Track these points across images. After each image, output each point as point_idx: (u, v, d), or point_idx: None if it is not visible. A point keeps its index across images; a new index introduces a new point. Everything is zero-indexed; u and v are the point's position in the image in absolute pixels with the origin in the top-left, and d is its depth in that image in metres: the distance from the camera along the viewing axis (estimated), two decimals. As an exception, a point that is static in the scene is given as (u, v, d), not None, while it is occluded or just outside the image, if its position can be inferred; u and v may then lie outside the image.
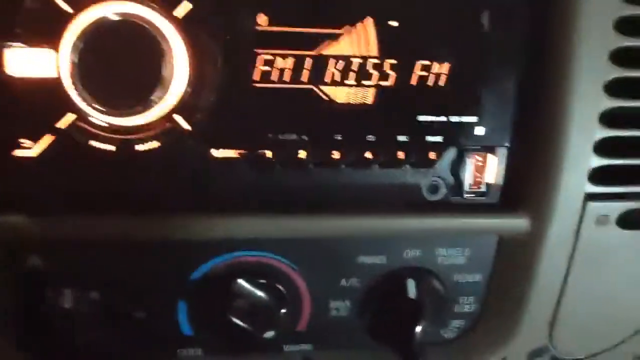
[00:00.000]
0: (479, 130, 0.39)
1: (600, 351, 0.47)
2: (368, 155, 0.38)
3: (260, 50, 0.36)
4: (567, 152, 0.39)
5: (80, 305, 0.38)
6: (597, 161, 0.40)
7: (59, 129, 0.34)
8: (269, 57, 0.36)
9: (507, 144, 0.40)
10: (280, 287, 0.41)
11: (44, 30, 0.32)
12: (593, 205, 0.41)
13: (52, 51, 0.33)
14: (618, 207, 0.41)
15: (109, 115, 0.33)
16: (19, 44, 0.33)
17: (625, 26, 0.38)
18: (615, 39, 0.38)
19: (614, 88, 0.39)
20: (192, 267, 0.40)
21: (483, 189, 0.41)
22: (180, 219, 0.37)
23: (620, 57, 0.38)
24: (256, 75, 0.36)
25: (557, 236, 0.41)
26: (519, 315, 0.43)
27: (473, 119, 0.39)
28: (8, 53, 0.32)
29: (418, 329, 0.40)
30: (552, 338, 0.45)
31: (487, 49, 0.38)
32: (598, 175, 0.40)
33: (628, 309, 0.46)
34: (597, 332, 0.46)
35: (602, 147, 0.40)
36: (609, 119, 0.39)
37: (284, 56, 0.36)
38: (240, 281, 0.40)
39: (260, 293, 0.40)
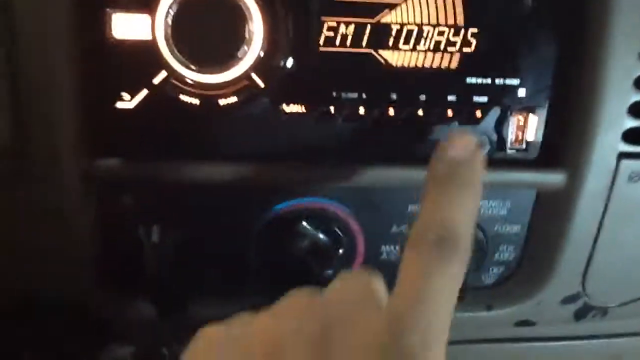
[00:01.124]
0: (521, 92, 0.42)
1: (630, 300, 0.51)
2: (420, 113, 0.42)
3: (325, 18, 0.40)
4: (602, 113, 0.42)
5: (165, 240, 0.44)
6: (631, 122, 0.42)
7: (154, 84, 0.39)
8: (333, 24, 0.40)
9: (546, 105, 0.43)
10: (338, 230, 0.45)
11: (143, -2, 0.38)
12: (626, 163, 0.43)
13: (148, 16, 0.37)
14: None
15: (197, 72, 0.38)
16: (122, 10, 0.38)
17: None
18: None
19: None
20: (260, 210, 0.45)
21: (524, 146, 0.43)
22: (254, 165, 0.42)
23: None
24: (322, 40, 0.40)
25: (591, 191, 0.44)
26: (554, 264, 0.47)
27: (515, 81, 0.42)
28: (114, 17, 0.38)
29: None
30: (584, 286, 0.48)
31: (529, 19, 0.41)
32: (631, 136, 0.43)
33: (657, 262, 0.48)
34: (628, 283, 0.49)
35: (636, 110, 0.42)
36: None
37: (346, 23, 0.40)
38: (304, 223, 0.45)
39: (321, 235, 0.45)
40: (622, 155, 0.44)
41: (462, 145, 0.33)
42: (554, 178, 0.44)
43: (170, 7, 0.37)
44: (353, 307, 0.29)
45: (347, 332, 0.27)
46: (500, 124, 0.43)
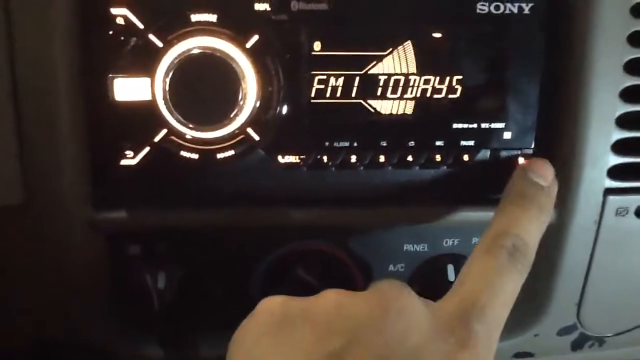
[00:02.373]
0: (507, 135, 0.44)
1: (626, 330, 0.52)
2: (409, 158, 0.44)
3: (315, 72, 0.42)
4: (587, 151, 0.44)
5: (171, 283, 0.46)
6: (615, 159, 0.44)
7: (155, 142, 0.41)
8: (323, 77, 0.42)
9: (531, 146, 0.44)
10: (336, 270, 0.47)
11: (142, 63, 0.39)
12: (612, 198, 0.45)
13: (148, 79, 0.40)
14: (635, 200, 0.46)
15: (195, 130, 0.40)
16: (122, 74, 0.40)
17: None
18: (627, 50, 0.43)
19: (627, 95, 0.43)
20: (261, 254, 0.47)
21: (512, 185, 0.45)
22: (252, 211, 0.44)
23: (633, 66, 0.43)
24: (313, 93, 0.42)
25: (580, 225, 0.46)
26: (549, 296, 0.48)
27: (501, 125, 0.44)
28: (115, 82, 0.40)
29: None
30: (580, 317, 0.50)
31: (511, 66, 0.43)
32: (616, 172, 0.45)
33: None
34: (623, 312, 0.51)
35: (619, 147, 0.44)
36: (624, 121, 0.44)
37: (336, 76, 0.42)
38: (301, 266, 0.47)
39: (319, 275, 0.47)
40: (608, 191, 0.45)
41: (545, 172, 0.39)
42: (544, 214, 0.45)
43: (167, 70, 0.39)
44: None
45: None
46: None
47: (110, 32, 0.40)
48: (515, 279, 0.33)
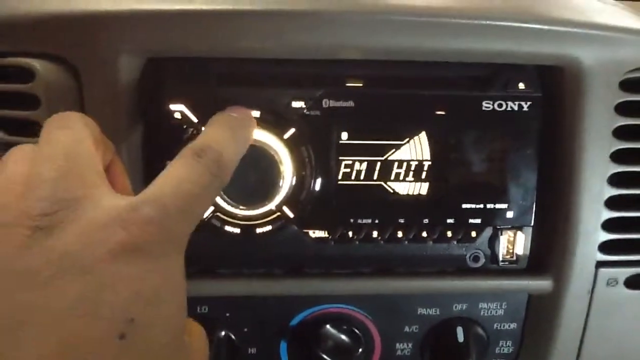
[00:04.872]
0: (509, 214, 0.50)
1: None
2: (424, 234, 0.50)
3: (343, 158, 0.48)
4: (579, 229, 0.49)
5: (210, 344, 0.52)
6: (605, 236, 0.50)
7: (203, 218, 0.48)
8: (350, 162, 0.48)
9: (531, 224, 0.50)
10: (357, 331, 0.52)
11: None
12: (603, 270, 0.51)
13: None
14: (625, 272, 0.51)
15: (239, 209, 0.47)
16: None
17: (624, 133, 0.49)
18: (613, 142, 0.49)
19: (615, 179, 0.50)
20: (291, 316, 0.52)
21: (514, 258, 0.51)
22: (286, 280, 0.50)
23: (619, 156, 0.49)
24: (340, 176, 0.48)
25: (575, 295, 0.51)
26: (547, 357, 0.53)
27: (504, 205, 0.50)
28: (171, 168, 0.47)
29: (467, 367, 0.51)
30: (578, 377, 0.55)
31: (512, 154, 0.49)
32: (607, 247, 0.50)
33: (640, 356, 0.55)
34: (617, 374, 0.56)
35: (609, 225, 0.50)
36: (613, 202, 0.50)
37: (360, 161, 0.48)
38: (328, 326, 0.52)
39: (343, 336, 0.52)
40: (600, 264, 0.51)
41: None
42: (542, 284, 0.52)
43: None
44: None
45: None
46: (493, 241, 0.51)
47: (169, 125, 0.46)
48: (203, 178, 0.33)
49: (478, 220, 0.50)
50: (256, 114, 0.46)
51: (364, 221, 0.49)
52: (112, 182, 0.37)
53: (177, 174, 0.33)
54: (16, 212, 0.29)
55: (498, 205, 0.50)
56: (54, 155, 0.31)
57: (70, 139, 0.32)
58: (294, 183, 0.47)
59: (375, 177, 0.49)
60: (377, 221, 0.49)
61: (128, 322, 0.28)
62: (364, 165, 0.49)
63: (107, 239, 0.28)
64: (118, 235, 0.29)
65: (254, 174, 0.45)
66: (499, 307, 0.54)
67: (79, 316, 0.27)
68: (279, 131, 0.46)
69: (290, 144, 0.46)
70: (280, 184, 0.46)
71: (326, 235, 0.49)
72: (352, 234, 0.50)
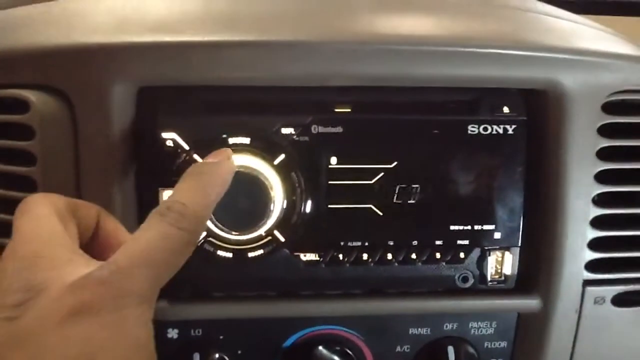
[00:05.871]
0: (497, 235, 0.51)
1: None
2: (413, 256, 0.50)
3: (332, 182, 0.49)
4: (566, 249, 0.50)
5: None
6: (591, 255, 0.51)
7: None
8: (339, 186, 0.49)
9: (519, 244, 0.51)
10: (350, 352, 0.53)
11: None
12: (590, 289, 0.51)
13: None
14: (612, 290, 0.52)
15: (230, 234, 0.48)
16: (170, 187, 0.47)
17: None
18: (597, 163, 0.50)
19: (600, 199, 0.51)
20: (284, 337, 0.53)
21: (502, 278, 0.52)
22: (278, 302, 0.51)
23: (603, 177, 0.50)
24: (330, 200, 0.49)
25: (563, 313, 0.52)
26: (538, 375, 0.55)
27: (491, 226, 0.50)
28: (164, 194, 0.48)
29: (457, 386, 0.52)
30: (567, 394, 0.56)
31: (498, 176, 0.50)
32: (593, 266, 0.51)
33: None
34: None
35: (594, 244, 0.51)
36: (599, 221, 0.51)
37: (349, 185, 0.49)
38: (321, 348, 0.52)
39: (335, 357, 0.52)
40: (587, 283, 0.52)
41: (216, 155, 0.42)
42: (530, 303, 0.52)
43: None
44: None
45: None
46: (481, 262, 0.52)
47: (162, 152, 0.47)
48: (167, 232, 0.34)
49: (466, 242, 0.51)
50: (246, 140, 0.47)
51: (354, 244, 0.50)
52: (103, 245, 0.40)
53: (139, 234, 0.35)
54: None
55: (485, 227, 0.51)
56: (16, 247, 0.34)
57: (30, 224, 0.35)
58: (284, 207, 0.48)
59: (364, 200, 0.50)
60: (367, 244, 0.50)
61: None
62: (353, 189, 0.49)
63: (59, 308, 0.31)
64: (69, 301, 0.31)
65: (245, 199, 0.46)
66: (489, 326, 0.54)
67: None
68: (269, 157, 0.47)
69: (280, 169, 0.47)
70: (271, 209, 0.47)
71: (317, 258, 0.50)
72: (343, 256, 0.50)
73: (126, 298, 0.32)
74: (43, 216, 0.35)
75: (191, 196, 0.37)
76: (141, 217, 0.47)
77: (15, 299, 0.31)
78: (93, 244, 0.41)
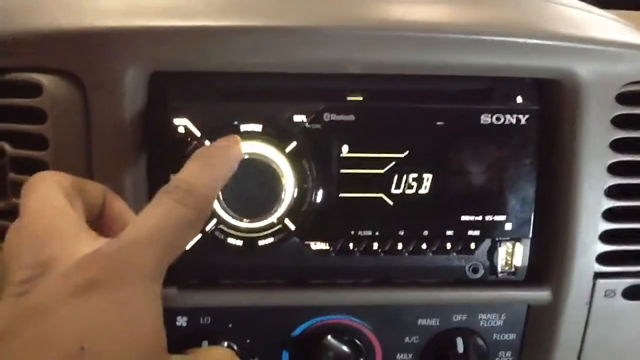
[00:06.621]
0: (508, 226, 0.50)
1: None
2: (424, 246, 0.50)
3: (343, 171, 0.49)
4: (577, 241, 0.50)
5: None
6: (602, 247, 0.51)
7: (206, 230, 0.48)
8: (350, 175, 0.49)
9: (529, 235, 0.51)
10: (358, 342, 0.52)
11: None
12: (601, 281, 0.51)
13: None
14: (623, 283, 0.51)
15: (241, 221, 0.47)
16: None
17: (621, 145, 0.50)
18: (610, 155, 0.50)
19: (612, 191, 0.50)
20: (293, 326, 0.53)
21: (512, 269, 0.51)
22: (288, 291, 0.50)
23: (616, 168, 0.50)
24: (341, 188, 0.49)
25: (573, 305, 0.51)
26: (547, 368, 0.54)
27: (502, 217, 0.50)
28: (175, 180, 0.47)
29: (466, 376, 0.52)
30: (576, 387, 0.56)
31: (510, 167, 0.50)
32: (604, 258, 0.51)
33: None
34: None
35: (606, 237, 0.51)
36: (611, 213, 0.50)
37: (360, 174, 0.49)
38: (329, 337, 0.52)
39: (344, 347, 0.52)
40: (597, 275, 0.52)
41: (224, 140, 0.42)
42: (541, 295, 0.52)
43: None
44: None
45: None
46: (492, 253, 0.51)
47: (173, 138, 0.47)
48: (173, 209, 0.34)
49: (477, 232, 0.51)
50: (258, 127, 0.47)
51: (365, 233, 0.50)
52: (109, 225, 0.40)
53: (146, 211, 0.35)
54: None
55: (497, 217, 0.50)
56: (24, 224, 0.34)
57: (38, 202, 0.35)
58: (295, 196, 0.48)
59: (375, 189, 0.50)
60: (377, 233, 0.50)
61: (78, 350, 0.29)
62: (364, 177, 0.49)
63: (67, 283, 0.31)
64: (77, 277, 0.31)
65: (256, 186, 0.46)
66: (498, 318, 0.54)
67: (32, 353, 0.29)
68: (280, 144, 0.47)
69: (291, 157, 0.47)
70: (282, 197, 0.47)
71: (327, 247, 0.50)
72: (353, 245, 0.50)
73: (133, 274, 0.32)
74: (50, 194, 0.35)
75: (199, 176, 0.37)
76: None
77: (24, 275, 0.31)
78: (99, 223, 0.41)
